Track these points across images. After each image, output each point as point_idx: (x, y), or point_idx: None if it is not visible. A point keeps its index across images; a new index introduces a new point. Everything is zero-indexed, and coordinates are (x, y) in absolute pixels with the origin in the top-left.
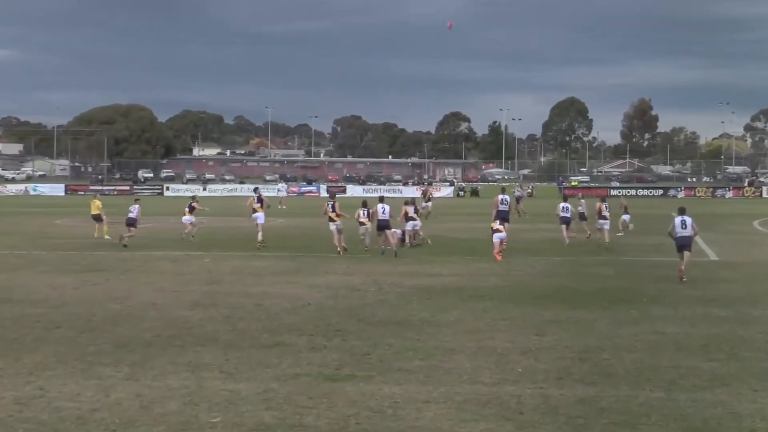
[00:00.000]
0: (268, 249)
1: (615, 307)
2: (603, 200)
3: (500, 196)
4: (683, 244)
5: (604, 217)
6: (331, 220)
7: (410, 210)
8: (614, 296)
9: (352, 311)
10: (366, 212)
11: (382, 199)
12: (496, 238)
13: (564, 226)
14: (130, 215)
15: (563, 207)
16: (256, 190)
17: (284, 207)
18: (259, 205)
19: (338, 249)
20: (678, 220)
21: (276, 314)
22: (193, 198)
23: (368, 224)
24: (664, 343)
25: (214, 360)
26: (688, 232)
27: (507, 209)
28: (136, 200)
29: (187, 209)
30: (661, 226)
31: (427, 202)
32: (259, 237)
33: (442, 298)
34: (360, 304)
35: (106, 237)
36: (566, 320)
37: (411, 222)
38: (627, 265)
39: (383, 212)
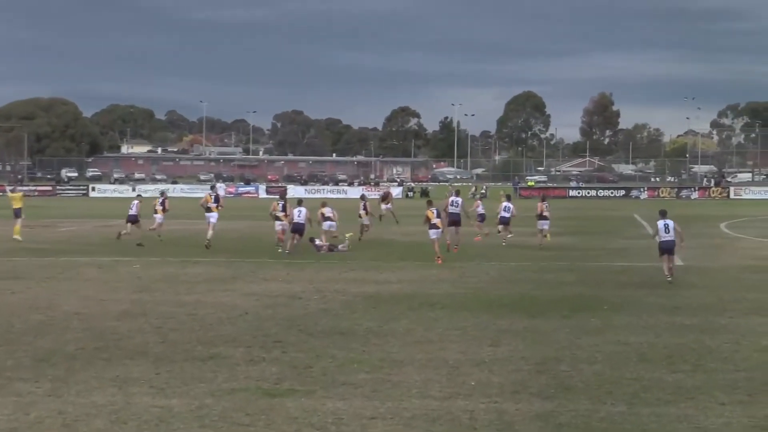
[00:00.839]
0: (203, 254)
1: (575, 316)
2: (543, 200)
3: (451, 198)
4: (667, 248)
5: (545, 218)
6: (278, 219)
7: (327, 211)
8: (574, 304)
9: (293, 321)
10: (282, 206)
11: (300, 202)
12: (433, 234)
13: (501, 226)
14: (131, 212)
15: (504, 207)
16: (213, 188)
17: (221, 208)
18: (215, 204)
19: (283, 247)
20: (661, 224)
21: (211, 324)
22: (163, 194)
23: (285, 221)
24: (627, 353)
25: (143, 374)
26: (671, 236)
27: (458, 212)
28: (138, 196)
29: (159, 207)
30: (624, 229)
31: (386, 204)
32: (208, 235)
33: (389, 306)
34: (301, 313)
35: (16, 237)
36: (523, 330)
37: (327, 222)
38: (589, 271)
39: (299, 215)
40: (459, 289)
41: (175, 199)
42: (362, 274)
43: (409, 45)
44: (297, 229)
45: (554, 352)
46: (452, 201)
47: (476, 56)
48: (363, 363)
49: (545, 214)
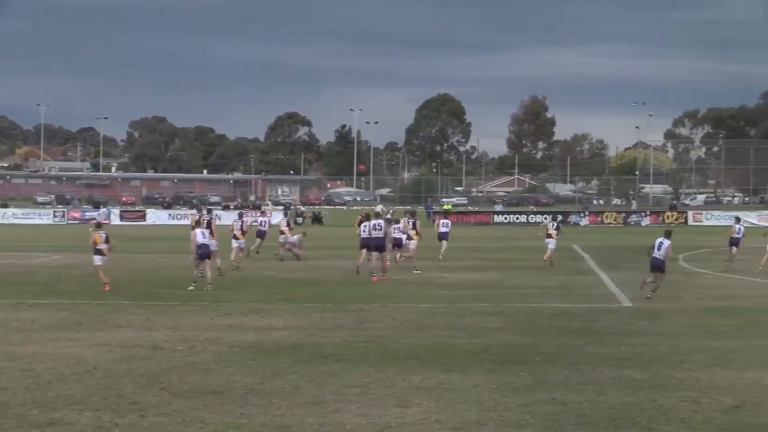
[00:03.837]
0: (40, 294)
1: (502, 370)
2: (555, 219)
3: (374, 221)
4: (654, 266)
5: (550, 236)
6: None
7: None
8: (501, 355)
9: (153, 377)
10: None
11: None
12: (98, 260)
13: (445, 242)
14: (262, 228)
15: (443, 222)
16: (209, 211)
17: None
18: (240, 231)
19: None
20: (657, 240)
21: (50, 383)
22: (240, 214)
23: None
24: (564, 415)
25: None
26: (661, 254)
27: (382, 236)
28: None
29: (238, 230)
30: (562, 263)
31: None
32: (218, 263)
33: (273, 358)
34: (164, 368)
35: None
36: (437, 387)
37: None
38: (518, 314)
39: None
40: (359, 338)
41: (6, 227)
42: (239, 319)
43: (298, 35)
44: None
45: (476, 414)
46: (375, 224)
47: (381, 49)
48: (241, 429)
49: (551, 233)
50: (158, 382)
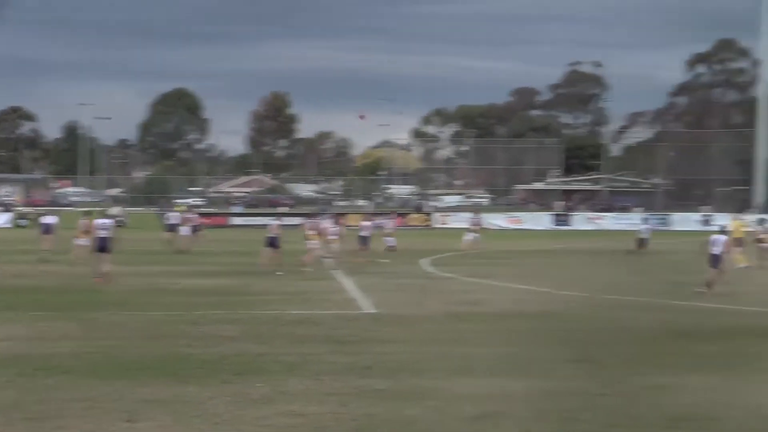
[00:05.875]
0: None
1: (238, 380)
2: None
3: (100, 220)
4: (711, 262)
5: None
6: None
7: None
8: (237, 365)
9: None
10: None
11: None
12: None
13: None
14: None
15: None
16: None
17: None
18: None
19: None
20: (712, 238)
21: None
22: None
23: None
24: (304, 427)
25: None
26: (717, 250)
27: (107, 236)
28: None
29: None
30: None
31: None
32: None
33: None
34: None
35: None
36: (171, 399)
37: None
38: (256, 321)
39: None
40: (86, 348)
41: None
42: None
43: (20, 22)
44: None
45: (211, 428)
46: (101, 224)
47: (111, 41)
48: None
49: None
50: None
